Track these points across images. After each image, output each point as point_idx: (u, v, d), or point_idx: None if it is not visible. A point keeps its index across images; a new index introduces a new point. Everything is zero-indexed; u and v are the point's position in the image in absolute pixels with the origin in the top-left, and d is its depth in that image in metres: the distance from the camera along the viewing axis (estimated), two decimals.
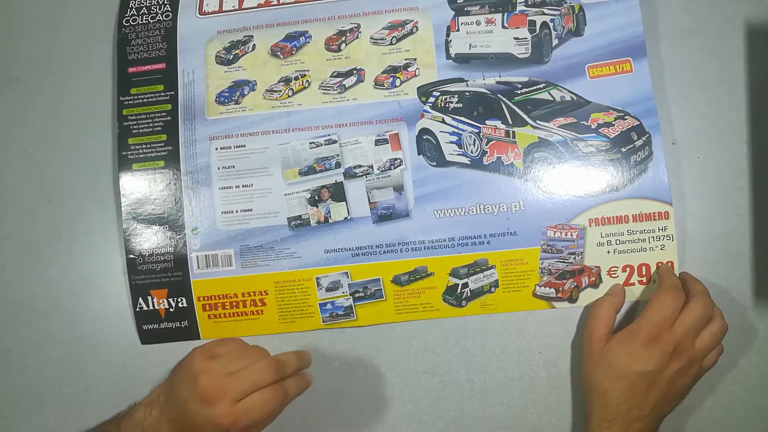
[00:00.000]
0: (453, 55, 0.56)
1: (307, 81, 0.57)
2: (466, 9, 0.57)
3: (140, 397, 0.53)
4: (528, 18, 0.56)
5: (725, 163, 0.54)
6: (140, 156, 0.57)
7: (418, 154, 0.55)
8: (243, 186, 0.56)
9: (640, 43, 0.54)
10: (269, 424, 0.47)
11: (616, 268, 0.53)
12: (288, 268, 0.55)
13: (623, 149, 0.53)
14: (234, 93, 0.58)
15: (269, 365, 0.46)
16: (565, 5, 0.55)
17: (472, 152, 0.55)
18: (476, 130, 0.55)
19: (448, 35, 0.57)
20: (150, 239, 0.56)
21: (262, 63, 0.58)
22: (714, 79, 0.55)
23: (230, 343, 0.48)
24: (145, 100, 0.58)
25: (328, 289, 0.55)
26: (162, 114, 0.58)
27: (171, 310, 0.56)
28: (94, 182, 0.59)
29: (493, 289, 0.54)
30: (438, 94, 0.56)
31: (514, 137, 0.54)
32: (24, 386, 0.57)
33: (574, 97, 0.54)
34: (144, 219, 0.57)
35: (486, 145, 0.55)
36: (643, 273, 0.53)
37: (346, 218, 0.55)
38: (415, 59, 0.56)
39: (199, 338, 0.56)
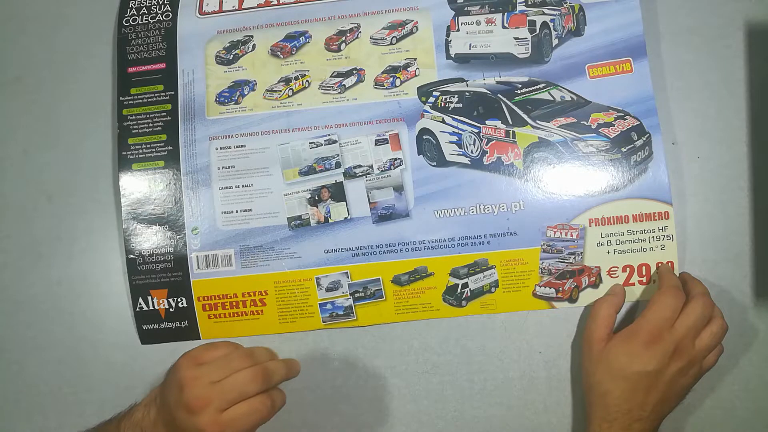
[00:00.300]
0: (453, 55, 0.56)
1: (307, 81, 0.57)
2: (466, 9, 0.56)
3: (140, 397, 0.53)
4: (528, 18, 0.55)
5: (725, 163, 0.54)
6: (140, 156, 0.57)
7: (418, 154, 0.55)
8: (243, 186, 0.56)
9: (640, 43, 0.53)
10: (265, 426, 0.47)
11: (616, 268, 0.53)
12: (288, 268, 0.55)
13: (623, 149, 0.52)
14: (234, 93, 0.57)
15: (255, 375, 0.45)
16: (565, 5, 0.55)
17: (472, 152, 0.55)
18: (476, 130, 0.55)
19: (448, 35, 0.56)
20: (150, 239, 0.56)
21: (262, 63, 0.58)
22: (714, 79, 0.54)
23: (219, 348, 0.48)
24: (145, 100, 0.58)
25: (328, 289, 0.55)
26: (162, 114, 0.57)
27: (171, 310, 0.56)
28: (94, 182, 0.58)
29: (493, 289, 0.54)
30: (438, 94, 0.55)
31: (514, 137, 0.54)
32: (24, 386, 0.57)
33: (574, 97, 0.54)
34: (144, 219, 0.56)
35: (486, 145, 0.54)
36: (643, 273, 0.52)
37: (346, 218, 0.55)
38: (415, 59, 0.56)
39: (199, 338, 0.56)
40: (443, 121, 0.55)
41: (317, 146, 0.56)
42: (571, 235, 0.53)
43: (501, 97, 0.54)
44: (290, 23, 0.58)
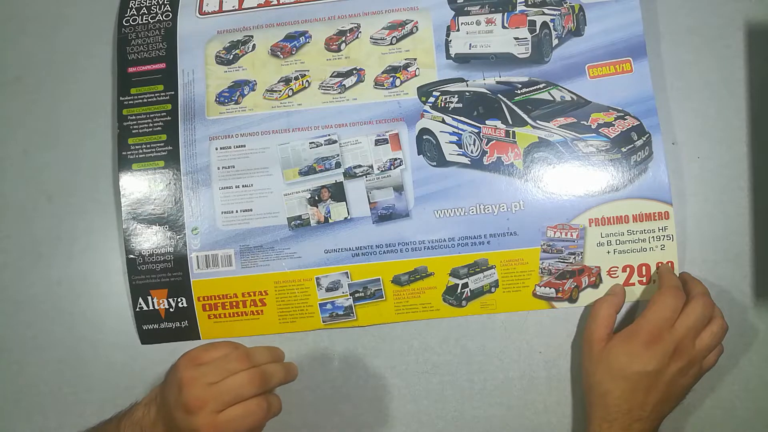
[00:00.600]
0: (453, 55, 0.55)
1: (307, 81, 0.56)
2: (466, 9, 0.56)
3: (140, 397, 0.52)
4: (528, 18, 0.55)
5: (725, 163, 0.53)
6: (140, 156, 0.56)
7: (418, 154, 0.54)
8: (243, 186, 0.55)
9: (640, 42, 0.53)
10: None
11: (616, 268, 0.52)
12: (288, 268, 0.54)
13: (623, 149, 0.51)
14: (234, 93, 0.57)
15: (252, 377, 0.44)
16: (565, 5, 0.54)
17: (472, 152, 0.54)
18: (476, 130, 0.54)
19: (448, 35, 0.56)
20: (150, 239, 0.55)
21: (262, 63, 0.57)
22: (714, 79, 0.54)
23: (218, 348, 0.47)
24: (145, 100, 0.57)
25: (328, 289, 0.54)
26: (162, 114, 0.57)
27: (171, 310, 0.55)
28: (94, 182, 0.58)
29: (493, 289, 0.53)
30: (438, 94, 0.55)
31: (514, 137, 0.53)
32: (24, 386, 0.56)
33: (574, 97, 0.53)
34: (144, 219, 0.56)
35: (486, 145, 0.54)
36: (643, 273, 0.52)
37: (346, 218, 0.54)
38: (415, 59, 0.55)
39: (199, 338, 0.55)
40: (443, 121, 0.54)
41: (317, 146, 0.55)
42: (571, 235, 0.52)
43: (501, 97, 0.54)
44: (290, 23, 0.57)
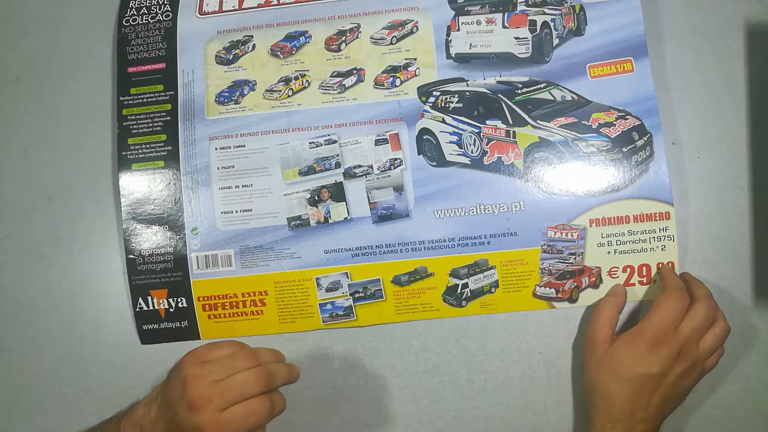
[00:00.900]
0: (453, 55, 0.54)
1: (307, 81, 0.55)
2: (466, 9, 0.55)
3: (140, 396, 0.51)
4: (528, 18, 0.54)
5: (725, 163, 0.52)
6: (140, 156, 0.55)
7: (418, 154, 0.53)
8: (243, 186, 0.54)
9: (641, 42, 0.52)
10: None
11: (616, 269, 0.51)
12: (288, 269, 0.53)
13: (624, 149, 0.51)
14: (234, 93, 0.56)
15: (258, 375, 0.43)
16: (565, 5, 0.53)
17: (472, 152, 0.53)
18: (476, 130, 0.53)
19: (448, 35, 0.55)
20: (150, 239, 0.54)
21: (262, 63, 0.56)
22: (714, 79, 0.53)
23: (224, 347, 0.46)
24: (145, 100, 0.56)
25: (328, 290, 0.53)
26: (162, 114, 0.56)
27: (171, 310, 0.54)
28: (94, 182, 0.57)
29: (493, 289, 0.52)
30: (438, 93, 0.54)
31: (514, 137, 0.52)
32: (24, 386, 0.56)
33: (575, 97, 0.52)
34: (144, 219, 0.55)
35: (486, 145, 0.53)
36: (644, 273, 0.51)
37: (345, 218, 0.53)
38: (415, 59, 0.54)
39: (199, 338, 0.54)
40: (443, 121, 0.53)
41: (317, 146, 0.54)
42: (572, 236, 0.51)
43: (501, 96, 0.53)
44: (290, 23, 0.56)
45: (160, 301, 0.54)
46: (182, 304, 0.54)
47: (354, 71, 0.55)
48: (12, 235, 0.57)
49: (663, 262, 0.51)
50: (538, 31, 0.53)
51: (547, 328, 0.53)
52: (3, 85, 0.59)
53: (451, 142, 0.53)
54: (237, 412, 0.43)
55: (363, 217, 0.53)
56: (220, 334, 0.54)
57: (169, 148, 0.55)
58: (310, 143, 0.54)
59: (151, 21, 0.57)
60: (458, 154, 0.53)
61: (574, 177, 0.51)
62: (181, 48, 0.56)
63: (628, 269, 0.51)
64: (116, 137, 0.56)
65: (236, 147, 0.55)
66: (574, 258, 0.51)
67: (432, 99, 0.54)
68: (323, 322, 0.54)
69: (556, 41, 0.53)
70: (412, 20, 0.55)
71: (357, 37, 0.56)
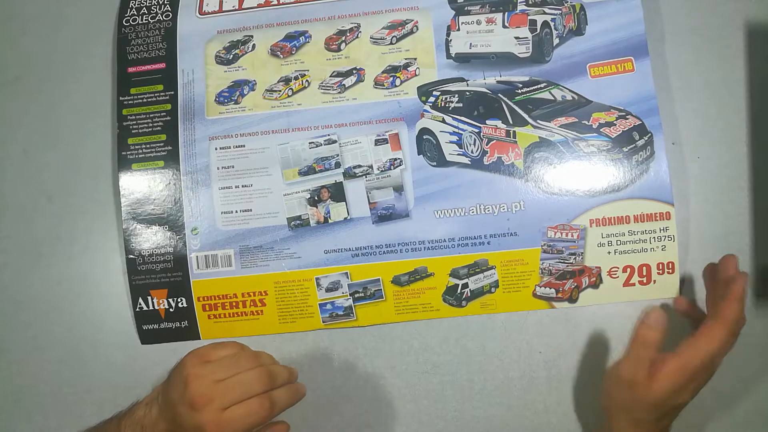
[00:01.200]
0: (453, 55, 0.54)
1: (306, 81, 0.54)
2: (466, 8, 0.54)
3: (140, 397, 0.50)
4: (529, 17, 0.53)
5: (725, 163, 0.52)
6: (140, 156, 0.54)
7: (418, 154, 0.53)
8: (242, 186, 0.53)
9: (641, 42, 0.51)
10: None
11: (616, 269, 0.50)
12: (288, 269, 0.53)
13: (625, 149, 0.50)
14: (234, 93, 0.55)
15: (260, 375, 0.43)
16: (566, 4, 0.52)
17: (472, 152, 0.52)
18: (477, 130, 0.52)
19: (448, 35, 0.54)
20: (150, 239, 0.54)
21: (262, 63, 0.55)
22: (714, 79, 0.52)
23: (226, 347, 0.46)
24: (145, 100, 0.55)
25: (328, 290, 0.52)
26: (162, 114, 0.55)
27: (171, 310, 0.53)
28: (94, 182, 0.56)
29: (493, 289, 0.51)
30: (438, 93, 0.53)
31: (514, 137, 0.51)
32: (24, 386, 0.55)
33: (575, 97, 0.51)
34: (144, 219, 0.54)
35: (486, 144, 0.52)
36: (644, 273, 0.50)
37: (345, 218, 0.53)
38: (415, 59, 0.53)
39: (199, 338, 0.54)
40: (443, 121, 0.53)
41: (317, 146, 0.53)
42: (572, 236, 0.50)
43: (501, 96, 0.52)
44: (290, 23, 0.55)
45: (160, 301, 0.53)
46: (182, 304, 0.53)
47: (354, 71, 0.54)
48: (12, 235, 0.56)
49: (663, 262, 0.50)
50: (538, 30, 0.52)
51: (547, 328, 0.52)
52: (3, 85, 0.58)
53: (451, 142, 0.52)
54: (238, 411, 0.42)
55: (363, 217, 0.52)
56: (220, 334, 0.53)
57: (169, 148, 0.54)
58: (310, 143, 0.53)
59: (151, 21, 0.56)
60: (458, 154, 0.52)
61: (575, 177, 0.50)
62: (181, 48, 0.56)
63: (628, 269, 0.50)
64: (116, 137, 0.55)
65: (236, 147, 0.54)
66: (574, 258, 0.50)
67: (432, 99, 0.53)
68: (323, 322, 0.53)
69: (556, 41, 0.52)
70: (412, 20, 0.54)
71: (357, 37, 0.55)
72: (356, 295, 0.52)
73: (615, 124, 0.50)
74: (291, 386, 0.46)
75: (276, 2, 0.56)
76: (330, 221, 0.53)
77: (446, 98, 0.53)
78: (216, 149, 0.54)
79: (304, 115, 0.54)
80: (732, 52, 0.52)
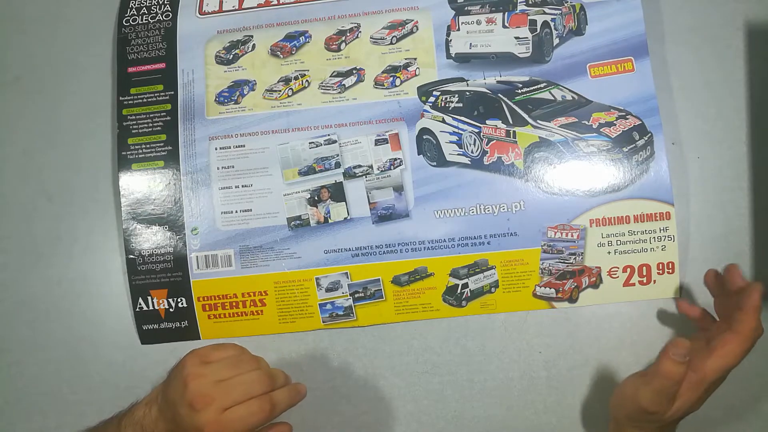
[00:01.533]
0: (453, 55, 0.53)
1: (306, 81, 0.54)
2: (466, 8, 0.53)
3: (140, 396, 0.50)
4: (529, 17, 0.52)
5: (725, 163, 0.51)
6: (140, 156, 0.54)
7: (418, 154, 0.52)
8: (242, 186, 0.53)
9: (641, 42, 0.50)
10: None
11: (616, 269, 0.50)
12: (288, 269, 0.52)
13: (625, 149, 0.49)
14: (234, 93, 0.54)
15: (261, 376, 0.43)
16: (566, 4, 0.52)
17: (472, 152, 0.51)
18: (477, 130, 0.52)
19: (448, 35, 0.53)
20: (150, 239, 0.53)
21: (262, 63, 0.55)
22: (714, 79, 0.52)
23: (227, 349, 0.45)
24: (145, 100, 0.55)
25: (327, 290, 0.52)
26: (162, 114, 0.54)
27: (171, 310, 0.53)
28: (94, 182, 0.56)
29: (493, 289, 0.51)
30: (438, 93, 0.52)
31: (514, 137, 0.51)
32: (24, 386, 0.54)
33: (575, 97, 0.51)
34: (144, 219, 0.53)
35: (486, 144, 0.51)
36: (644, 273, 0.50)
37: (345, 218, 0.52)
38: (415, 59, 0.53)
39: (199, 338, 0.53)
40: (443, 121, 0.52)
41: (317, 146, 0.53)
42: (572, 236, 0.50)
43: (501, 96, 0.51)
44: (290, 23, 0.55)
45: (160, 301, 0.53)
46: (182, 304, 0.53)
47: (354, 71, 0.53)
48: (12, 235, 0.56)
49: (663, 262, 0.49)
50: (538, 30, 0.52)
51: (547, 328, 0.51)
52: (3, 85, 0.58)
53: (451, 142, 0.52)
54: (239, 412, 0.42)
55: (363, 217, 0.52)
56: (220, 334, 0.53)
57: (169, 148, 0.54)
58: (309, 143, 0.53)
59: (151, 21, 0.56)
60: (458, 154, 0.52)
61: (575, 177, 0.50)
62: (181, 48, 0.55)
63: (628, 269, 0.50)
64: (116, 137, 0.55)
65: (236, 147, 0.53)
66: (574, 258, 0.50)
67: (432, 99, 0.52)
68: (323, 322, 0.52)
69: (556, 41, 0.52)
70: (412, 20, 0.53)
71: (357, 37, 0.54)
72: (356, 295, 0.52)
73: (615, 124, 0.49)
74: (291, 386, 0.45)
75: (276, 2, 0.56)
76: (330, 221, 0.52)
77: (446, 98, 0.52)
78: (216, 149, 0.53)
79: (304, 115, 0.53)
80: (732, 52, 0.52)
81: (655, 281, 0.50)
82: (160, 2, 0.56)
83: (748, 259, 0.50)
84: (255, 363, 0.44)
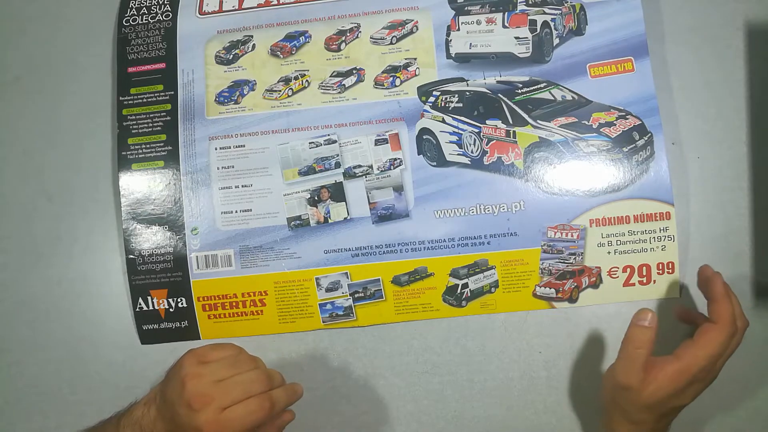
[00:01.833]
0: (453, 55, 0.53)
1: (306, 81, 0.54)
2: (466, 8, 0.53)
3: (140, 397, 0.49)
4: (529, 17, 0.52)
5: (725, 163, 0.51)
6: (140, 156, 0.54)
7: (418, 154, 0.52)
8: (242, 186, 0.53)
9: (641, 42, 0.50)
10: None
11: (616, 269, 0.49)
12: (288, 269, 0.52)
13: (625, 149, 0.49)
14: (234, 93, 0.54)
15: (259, 375, 0.42)
16: (566, 4, 0.52)
17: (472, 152, 0.51)
18: (477, 130, 0.51)
19: (448, 35, 0.53)
20: (150, 239, 0.53)
21: (262, 63, 0.54)
22: (714, 79, 0.52)
23: (225, 349, 0.45)
24: (145, 100, 0.54)
25: (327, 290, 0.52)
26: (162, 114, 0.54)
27: (171, 310, 0.53)
28: (94, 182, 0.55)
29: (493, 289, 0.50)
30: (438, 93, 0.52)
31: (514, 137, 0.50)
32: (24, 386, 0.54)
33: (575, 97, 0.50)
34: (144, 219, 0.53)
35: (486, 144, 0.51)
36: (644, 273, 0.49)
37: (345, 218, 0.52)
38: (415, 59, 0.53)
39: (199, 338, 0.53)
40: (443, 121, 0.52)
41: (317, 146, 0.52)
42: (572, 236, 0.49)
43: (501, 96, 0.51)
44: (290, 23, 0.55)
45: (160, 301, 0.53)
46: (182, 304, 0.52)
47: (354, 71, 0.53)
48: (12, 235, 0.55)
49: (663, 262, 0.49)
50: (538, 30, 0.51)
51: (547, 328, 0.51)
52: (3, 85, 0.57)
53: (451, 142, 0.51)
54: (238, 411, 0.41)
55: (363, 217, 0.52)
56: (220, 334, 0.52)
57: (169, 148, 0.53)
58: (309, 143, 0.52)
59: (151, 21, 0.56)
60: (458, 154, 0.51)
61: (575, 177, 0.50)
62: (181, 48, 0.55)
63: (628, 269, 0.49)
64: (116, 137, 0.54)
65: (236, 147, 0.53)
66: (574, 258, 0.50)
67: (432, 99, 0.52)
68: (323, 322, 0.52)
69: (556, 41, 0.51)
70: (412, 20, 0.53)
71: (357, 37, 0.54)
72: (356, 295, 0.51)
73: (615, 124, 0.49)
74: (288, 386, 0.45)
75: (276, 2, 0.55)
76: (330, 221, 0.52)
77: (446, 98, 0.52)
78: (216, 149, 0.53)
79: (304, 115, 0.53)
80: (732, 52, 0.52)
81: (655, 281, 0.49)
82: (160, 2, 0.56)
83: (748, 259, 0.50)
84: (253, 363, 0.44)
